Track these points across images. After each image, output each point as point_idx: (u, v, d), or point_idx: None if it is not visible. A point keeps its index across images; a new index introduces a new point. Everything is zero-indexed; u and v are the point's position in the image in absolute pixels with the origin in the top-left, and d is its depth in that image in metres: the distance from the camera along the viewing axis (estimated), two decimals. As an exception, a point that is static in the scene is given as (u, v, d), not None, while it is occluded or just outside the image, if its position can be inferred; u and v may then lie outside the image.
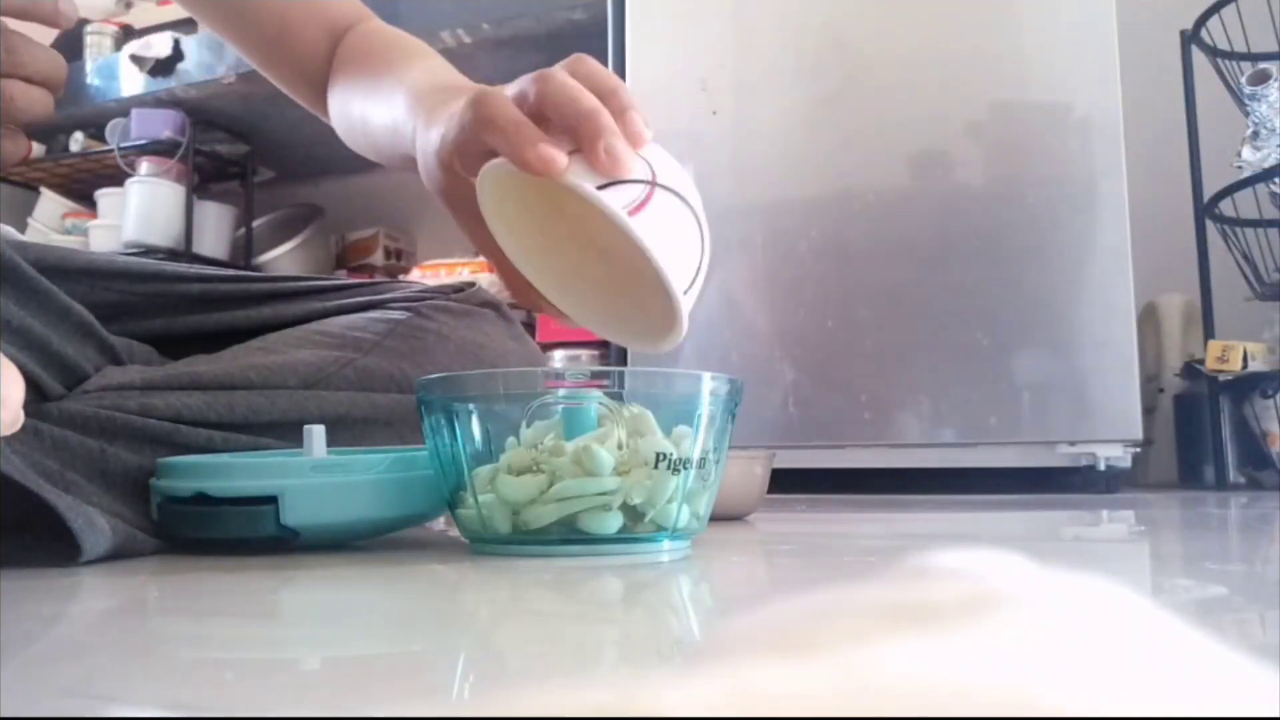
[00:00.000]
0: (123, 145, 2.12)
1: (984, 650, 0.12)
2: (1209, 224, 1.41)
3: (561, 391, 0.52)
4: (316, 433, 0.54)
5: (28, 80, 0.43)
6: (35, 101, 0.44)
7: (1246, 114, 1.38)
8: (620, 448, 0.50)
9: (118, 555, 0.50)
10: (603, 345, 1.78)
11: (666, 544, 0.52)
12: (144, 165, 2.14)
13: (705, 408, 0.51)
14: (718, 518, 0.65)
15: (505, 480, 0.50)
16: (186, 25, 2.17)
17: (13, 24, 0.44)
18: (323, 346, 0.65)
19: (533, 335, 1.24)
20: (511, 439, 0.52)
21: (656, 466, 0.49)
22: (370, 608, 0.36)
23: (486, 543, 0.52)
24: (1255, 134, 1.36)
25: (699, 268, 0.49)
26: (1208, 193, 1.40)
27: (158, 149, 2.12)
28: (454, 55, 1.85)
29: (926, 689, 0.11)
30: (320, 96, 0.78)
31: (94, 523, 0.47)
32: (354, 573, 0.47)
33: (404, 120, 0.61)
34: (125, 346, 0.60)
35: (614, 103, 0.48)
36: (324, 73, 0.77)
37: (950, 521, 0.74)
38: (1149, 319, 1.53)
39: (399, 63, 0.69)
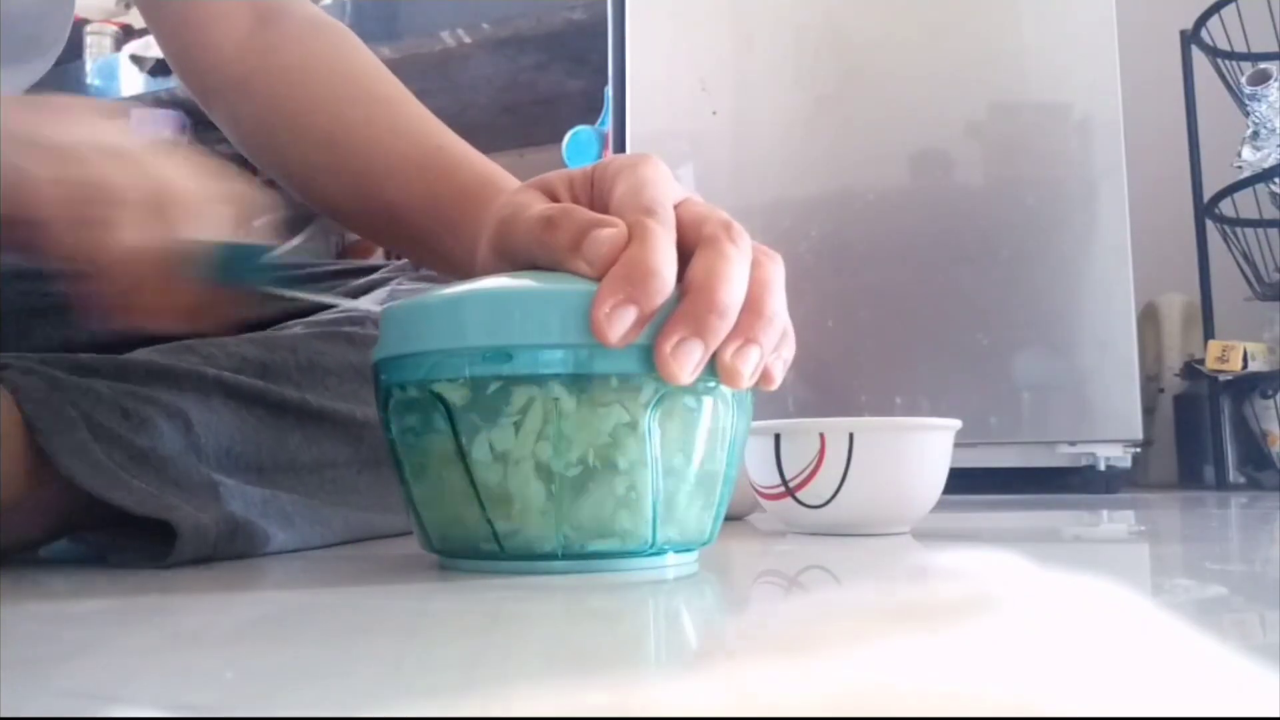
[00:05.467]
0: (123, 145, 2.12)
1: (984, 650, 0.12)
2: (1209, 224, 1.41)
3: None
4: None
5: None
6: None
7: (1246, 114, 1.38)
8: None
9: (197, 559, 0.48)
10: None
11: (671, 558, 0.44)
12: (144, 165, 2.13)
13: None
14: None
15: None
16: (186, 25, 2.16)
17: None
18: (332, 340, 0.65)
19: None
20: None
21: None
22: (373, 610, 0.36)
23: (466, 558, 0.44)
24: (1255, 134, 1.37)
25: None
26: (1208, 193, 1.40)
27: (158, 149, 2.11)
28: (454, 55, 1.86)
29: (926, 689, 0.11)
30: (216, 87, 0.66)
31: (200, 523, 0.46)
32: (355, 577, 0.47)
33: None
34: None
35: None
36: (235, 55, 0.65)
37: (950, 521, 0.74)
38: (1149, 319, 1.53)
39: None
